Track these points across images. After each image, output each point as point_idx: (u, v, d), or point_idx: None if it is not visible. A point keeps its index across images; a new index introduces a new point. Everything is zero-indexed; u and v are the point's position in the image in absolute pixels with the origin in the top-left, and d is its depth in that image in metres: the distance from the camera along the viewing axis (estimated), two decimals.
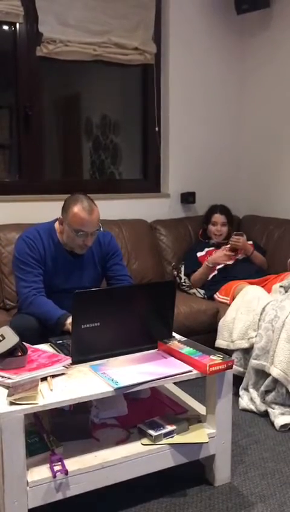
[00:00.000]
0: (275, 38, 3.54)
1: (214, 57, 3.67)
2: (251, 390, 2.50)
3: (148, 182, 3.69)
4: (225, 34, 3.69)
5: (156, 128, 3.61)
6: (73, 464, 1.65)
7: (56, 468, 1.60)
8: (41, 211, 2.84)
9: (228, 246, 3.10)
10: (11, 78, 3.16)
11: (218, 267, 3.18)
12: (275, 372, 2.34)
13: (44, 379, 1.70)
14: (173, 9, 3.47)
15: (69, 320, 2.06)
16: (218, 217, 3.33)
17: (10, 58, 3.13)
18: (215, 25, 3.64)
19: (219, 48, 3.68)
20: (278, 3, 3.47)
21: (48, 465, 1.62)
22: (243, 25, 3.72)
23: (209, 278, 3.18)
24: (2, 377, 1.67)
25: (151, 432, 1.78)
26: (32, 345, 1.93)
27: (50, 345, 2.02)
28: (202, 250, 3.30)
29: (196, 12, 3.55)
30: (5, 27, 3.10)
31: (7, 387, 1.64)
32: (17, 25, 3.06)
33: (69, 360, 1.81)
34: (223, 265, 3.17)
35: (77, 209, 2.20)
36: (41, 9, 3.06)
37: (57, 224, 2.33)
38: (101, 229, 2.27)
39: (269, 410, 2.39)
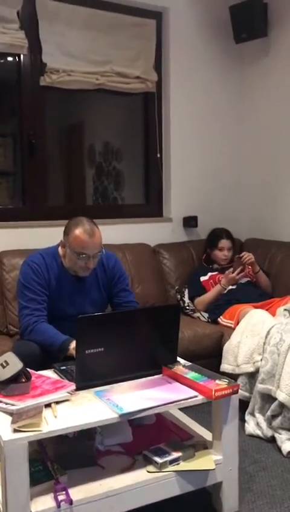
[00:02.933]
0: (273, 66, 3.61)
1: (214, 84, 3.74)
2: (257, 415, 2.46)
3: (151, 206, 3.72)
4: (225, 62, 3.77)
5: (158, 155, 3.66)
6: (77, 492, 1.63)
7: (60, 497, 1.58)
8: (45, 236, 2.85)
9: (239, 268, 3.10)
10: (15, 107, 3.22)
11: None
12: (282, 396, 2.31)
13: (48, 405, 1.69)
14: (173, 39, 3.55)
15: (73, 345, 2.05)
16: (225, 242, 3.36)
17: (14, 87, 3.20)
18: (215, 53, 3.72)
19: (219, 76, 3.76)
20: (275, 32, 3.55)
21: (52, 495, 1.60)
22: (242, 53, 3.81)
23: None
24: (6, 403, 1.66)
25: (156, 458, 1.76)
26: (34, 371, 1.92)
27: (54, 370, 2.00)
28: (205, 275, 3.30)
29: (196, 41, 3.63)
30: (10, 58, 3.17)
31: (11, 414, 1.63)
32: (22, 56, 3.14)
33: (73, 386, 1.79)
34: (227, 289, 3.17)
35: (78, 231, 2.20)
36: (45, 41, 3.13)
37: (60, 248, 2.34)
38: (103, 251, 2.28)
39: (276, 435, 2.36)
